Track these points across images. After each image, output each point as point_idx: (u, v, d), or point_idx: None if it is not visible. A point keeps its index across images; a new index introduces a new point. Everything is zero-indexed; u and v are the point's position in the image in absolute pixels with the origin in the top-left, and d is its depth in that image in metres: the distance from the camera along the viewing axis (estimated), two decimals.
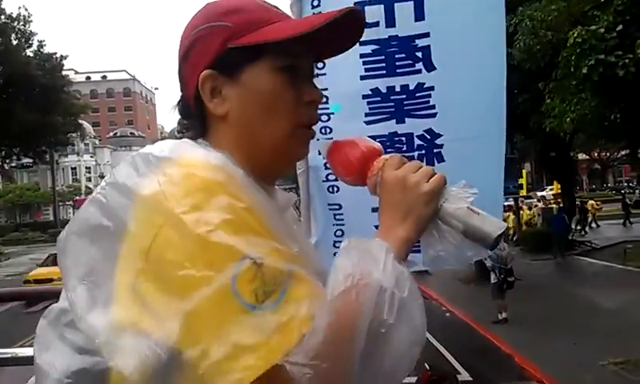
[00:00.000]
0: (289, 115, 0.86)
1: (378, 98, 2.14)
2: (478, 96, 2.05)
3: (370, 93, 2.13)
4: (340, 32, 0.86)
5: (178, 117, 0.93)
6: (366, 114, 2.14)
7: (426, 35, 2.03)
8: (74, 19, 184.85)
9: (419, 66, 2.06)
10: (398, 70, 2.10)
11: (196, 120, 0.89)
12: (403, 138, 2.14)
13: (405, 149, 2.13)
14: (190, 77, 0.88)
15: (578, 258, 17.59)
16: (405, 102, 2.12)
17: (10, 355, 1.79)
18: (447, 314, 11.53)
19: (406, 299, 0.73)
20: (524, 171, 21.35)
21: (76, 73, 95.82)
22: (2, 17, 23.01)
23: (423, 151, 2.12)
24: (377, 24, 2.01)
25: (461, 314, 11.30)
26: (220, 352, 0.64)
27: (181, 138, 0.88)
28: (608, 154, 48.26)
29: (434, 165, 2.09)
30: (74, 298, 0.73)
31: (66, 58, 25.25)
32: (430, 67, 2.05)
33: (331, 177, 2.21)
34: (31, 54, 24.35)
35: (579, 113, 8.22)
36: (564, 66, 8.30)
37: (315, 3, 2.11)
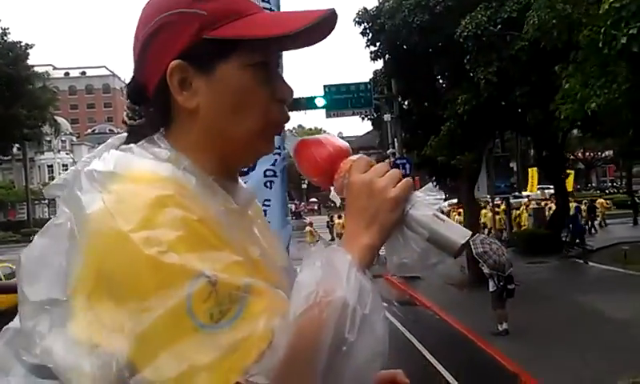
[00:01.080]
0: (261, 113, 0.84)
1: None
2: None
3: None
4: (311, 31, 0.83)
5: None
6: None
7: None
8: (55, 14, 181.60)
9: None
10: None
11: (158, 110, 0.85)
12: None
13: None
14: (154, 64, 0.83)
15: (574, 260, 16.77)
16: None
17: None
18: (441, 323, 10.63)
19: (367, 315, 0.72)
20: (534, 170, 20.36)
21: (54, 68, 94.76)
22: None
23: None
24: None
25: (456, 323, 10.39)
26: (174, 371, 0.65)
27: (132, 125, 0.87)
28: (592, 153, 48.08)
29: None
30: (29, 324, 0.74)
31: (31, 47, 23.70)
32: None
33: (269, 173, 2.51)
34: None
35: (606, 97, 7.29)
36: (587, 45, 7.38)
37: None
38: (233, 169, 0.90)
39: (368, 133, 59.00)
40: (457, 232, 0.80)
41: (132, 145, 0.82)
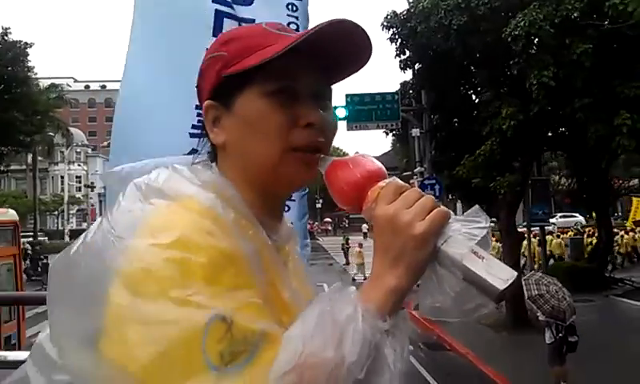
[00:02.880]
0: (279, 138, 0.83)
1: None
2: None
3: None
4: (343, 49, 0.83)
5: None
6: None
7: None
8: (78, 27, 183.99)
9: None
10: None
11: (211, 146, 0.91)
12: None
13: None
14: (201, 106, 0.90)
15: (622, 299, 14.85)
16: None
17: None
18: (481, 378, 8.90)
19: (362, 380, 0.66)
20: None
21: (75, 81, 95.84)
22: None
23: None
24: None
25: (499, 378, 8.66)
26: None
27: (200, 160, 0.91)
28: (619, 182, 45.88)
29: None
30: (61, 342, 0.76)
31: (31, 46, 22.34)
32: None
33: None
34: None
35: None
36: None
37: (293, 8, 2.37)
38: (272, 202, 0.89)
39: (386, 153, 57.34)
40: (498, 273, 0.69)
41: (185, 167, 0.83)
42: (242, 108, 0.83)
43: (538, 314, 7.74)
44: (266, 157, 0.82)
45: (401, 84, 14.93)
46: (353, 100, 14.08)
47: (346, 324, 0.67)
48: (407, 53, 13.29)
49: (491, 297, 0.68)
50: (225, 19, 2.13)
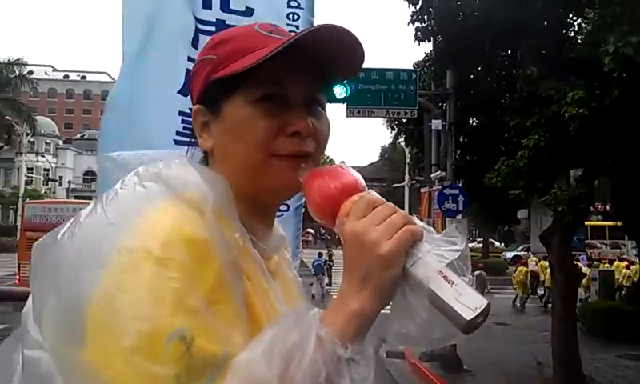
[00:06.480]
0: (261, 146, 0.81)
1: None
2: None
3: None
4: (335, 55, 0.82)
5: None
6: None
7: None
8: (59, 15, 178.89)
9: None
10: None
11: (203, 152, 0.90)
12: None
13: None
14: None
15: None
16: None
17: None
18: None
19: None
20: None
21: (54, 70, 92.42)
22: None
23: None
24: None
25: None
26: None
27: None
28: None
29: None
30: (45, 327, 0.72)
31: None
32: None
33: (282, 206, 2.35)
34: None
35: None
36: None
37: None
38: (261, 210, 0.87)
39: (373, 163, 54.12)
40: (467, 301, 0.64)
41: (188, 160, 0.83)
42: (228, 114, 0.83)
43: None
44: (247, 163, 0.82)
45: (414, 64, 11.75)
46: (356, 76, 10.71)
47: (296, 351, 0.64)
48: (427, 20, 10.15)
49: (458, 326, 0.65)
50: (200, 36, 2.24)
